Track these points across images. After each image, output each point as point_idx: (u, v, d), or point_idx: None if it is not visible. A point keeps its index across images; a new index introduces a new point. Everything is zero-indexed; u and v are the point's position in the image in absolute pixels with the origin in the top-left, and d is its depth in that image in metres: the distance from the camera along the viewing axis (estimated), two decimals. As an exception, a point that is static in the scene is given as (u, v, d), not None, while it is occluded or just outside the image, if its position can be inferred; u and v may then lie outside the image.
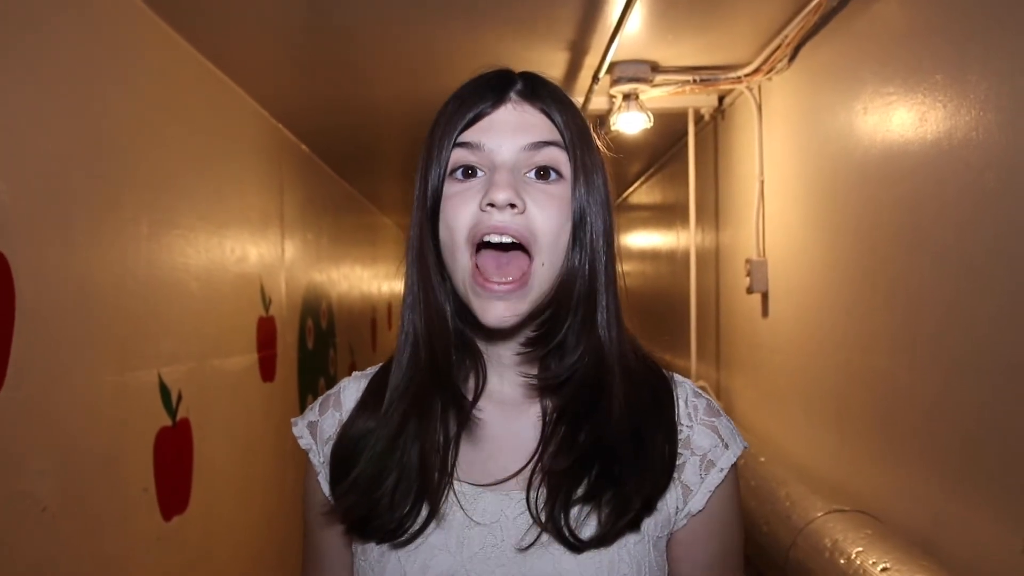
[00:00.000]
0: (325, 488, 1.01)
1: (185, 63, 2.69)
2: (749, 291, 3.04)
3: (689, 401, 1.00)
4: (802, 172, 2.74)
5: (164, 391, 2.40)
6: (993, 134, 1.65)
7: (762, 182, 3.06)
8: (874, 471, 2.20)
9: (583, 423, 0.94)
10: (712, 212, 3.77)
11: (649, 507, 0.93)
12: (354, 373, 1.09)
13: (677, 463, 0.95)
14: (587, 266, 0.94)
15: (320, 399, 1.08)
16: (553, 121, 0.95)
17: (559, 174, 0.93)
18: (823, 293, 2.56)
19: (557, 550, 0.90)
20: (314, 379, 4.38)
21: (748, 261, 3.04)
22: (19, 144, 1.74)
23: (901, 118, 2.01)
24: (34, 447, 1.77)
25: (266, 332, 3.48)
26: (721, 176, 3.68)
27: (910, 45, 2.00)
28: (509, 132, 0.92)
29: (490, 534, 0.92)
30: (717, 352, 3.73)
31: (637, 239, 6.16)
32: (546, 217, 0.91)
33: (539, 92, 0.96)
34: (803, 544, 2.02)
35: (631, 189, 6.10)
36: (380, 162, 5.09)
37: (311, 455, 1.05)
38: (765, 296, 3.04)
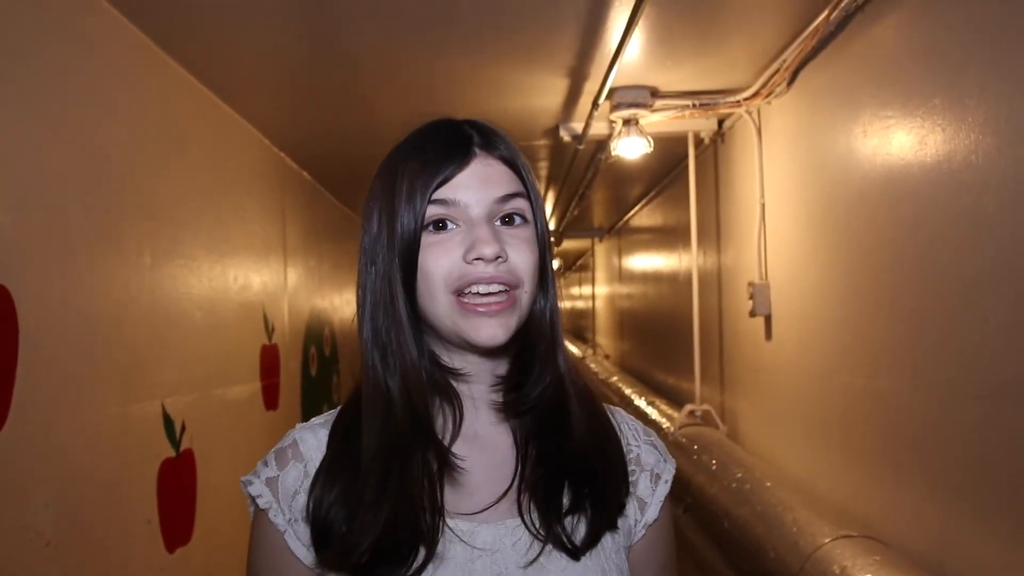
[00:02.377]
0: (295, 546, 0.98)
1: (186, 93, 2.71)
2: (752, 314, 3.04)
3: (629, 424, 1.12)
4: (803, 195, 2.75)
5: (167, 422, 2.39)
6: (992, 157, 1.66)
7: (763, 205, 3.06)
8: (879, 493, 2.18)
9: (551, 442, 1.01)
10: (714, 235, 3.78)
11: (622, 508, 1.03)
12: (299, 425, 1.05)
13: (631, 479, 1.05)
14: (549, 301, 1.04)
15: (273, 453, 1.02)
16: (514, 170, 1.01)
17: (524, 219, 1.00)
18: (825, 315, 2.55)
19: (557, 563, 0.95)
20: (317, 406, 4.37)
21: (751, 284, 3.04)
22: (20, 177, 1.75)
23: (900, 141, 2.02)
24: (38, 480, 1.76)
25: (269, 360, 3.48)
26: (722, 199, 3.69)
27: (908, 69, 2.01)
28: (480, 187, 0.97)
29: (493, 563, 0.95)
30: (721, 375, 3.72)
31: (639, 261, 6.17)
32: (524, 259, 0.97)
33: (495, 142, 1.01)
34: (811, 571, 2.00)
35: (632, 212, 6.11)
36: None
37: (271, 513, 0.99)
38: (768, 319, 3.03)
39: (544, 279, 1.02)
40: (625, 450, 1.06)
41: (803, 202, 2.75)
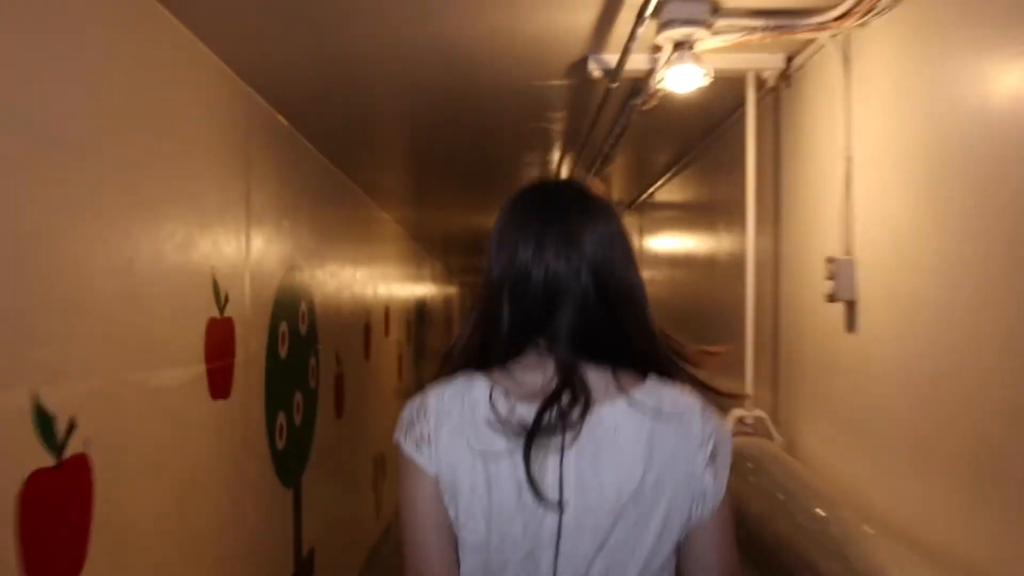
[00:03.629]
0: None
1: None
2: (832, 299, 2.36)
3: None
4: (909, 147, 2.08)
5: (42, 419, 1.73)
6: None
7: (849, 160, 2.38)
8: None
9: None
10: (770, 207, 3.10)
11: None
12: None
13: None
14: None
15: None
16: None
17: None
18: (937, 302, 1.90)
19: None
20: (288, 394, 3.71)
21: (831, 260, 2.36)
22: None
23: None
24: None
25: (219, 337, 2.81)
26: (784, 161, 3.00)
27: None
28: None
29: None
30: (775, 375, 3.05)
31: (665, 242, 5.52)
32: None
33: None
34: None
35: (658, 184, 5.42)
36: (378, 144, 4.44)
37: None
38: (851, 305, 2.36)
39: None
40: None
41: (910, 157, 2.07)
